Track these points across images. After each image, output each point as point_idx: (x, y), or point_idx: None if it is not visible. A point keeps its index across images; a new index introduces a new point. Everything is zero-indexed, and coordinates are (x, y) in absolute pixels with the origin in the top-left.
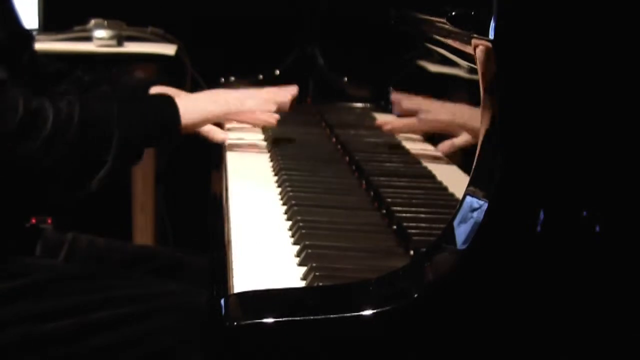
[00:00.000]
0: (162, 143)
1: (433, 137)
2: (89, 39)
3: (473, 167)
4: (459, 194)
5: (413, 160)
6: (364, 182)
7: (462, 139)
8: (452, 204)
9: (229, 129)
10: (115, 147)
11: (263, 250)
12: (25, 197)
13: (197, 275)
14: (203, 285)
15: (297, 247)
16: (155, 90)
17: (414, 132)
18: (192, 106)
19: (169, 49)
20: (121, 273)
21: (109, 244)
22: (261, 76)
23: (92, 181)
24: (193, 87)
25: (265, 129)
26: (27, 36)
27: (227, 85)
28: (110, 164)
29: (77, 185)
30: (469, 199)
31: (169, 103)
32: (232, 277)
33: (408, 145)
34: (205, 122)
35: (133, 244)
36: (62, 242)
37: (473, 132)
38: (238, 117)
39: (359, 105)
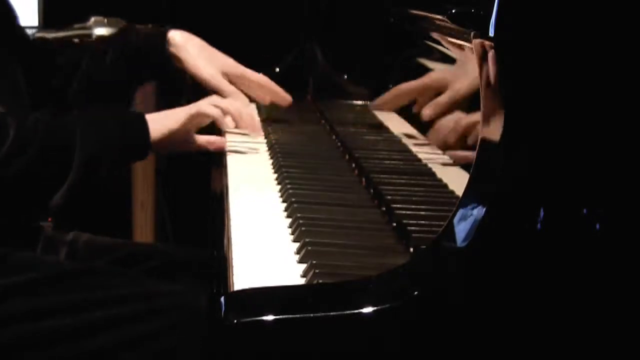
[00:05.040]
0: (131, 158)
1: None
2: (88, 36)
3: (473, 164)
4: (459, 192)
5: (413, 157)
6: (363, 179)
7: (446, 96)
8: (452, 202)
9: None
10: (77, 164)
11: (263, 247)
12: None
13: (197, 274)
14: (203, 284)
15: (297, 245)
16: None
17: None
18: (159, 119)
19: None
20: (121, 271)
21: (109, 242)
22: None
23: (54, 196)
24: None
25: (265, 127)
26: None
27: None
28: (71, 180)
29: (38, 199)
30: (469, 196)
31: (138, 119)
32: (232, 274)
33: (408, 142)
34: (171, 133)
35: (133, 242)
36: (63, 241)
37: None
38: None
39: (359, 102)
